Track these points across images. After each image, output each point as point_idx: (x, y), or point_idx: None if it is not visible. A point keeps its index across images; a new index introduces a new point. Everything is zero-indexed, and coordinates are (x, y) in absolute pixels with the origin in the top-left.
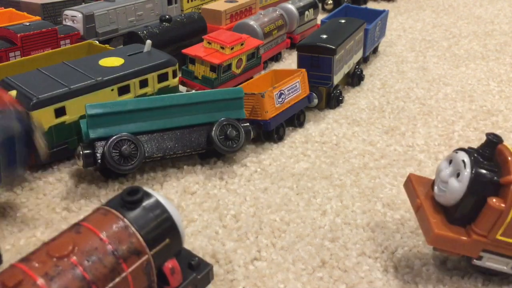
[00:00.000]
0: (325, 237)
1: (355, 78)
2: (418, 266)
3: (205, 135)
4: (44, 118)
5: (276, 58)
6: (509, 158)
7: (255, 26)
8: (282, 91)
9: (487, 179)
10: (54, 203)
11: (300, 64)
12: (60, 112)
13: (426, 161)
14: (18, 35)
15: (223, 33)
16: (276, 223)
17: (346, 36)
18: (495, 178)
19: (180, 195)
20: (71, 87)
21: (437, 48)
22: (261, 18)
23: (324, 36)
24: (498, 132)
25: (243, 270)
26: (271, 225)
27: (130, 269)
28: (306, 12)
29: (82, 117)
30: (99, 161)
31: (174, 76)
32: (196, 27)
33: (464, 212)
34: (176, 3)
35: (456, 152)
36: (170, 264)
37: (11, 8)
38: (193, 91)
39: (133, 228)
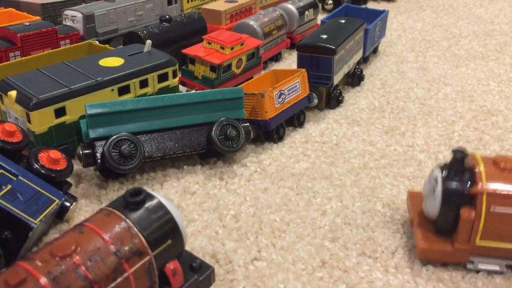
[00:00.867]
0: (325, 237)
1: (355, 78)
2: (418, 266)
3: (205, 135)
4: (44, 118)
5: (276, 58)
6: (476, 170)
7: (255, 26)
8: (282, 91)
9: (457, 192)
10: None
11: (300, 64)
12: (60, 112)
13: (426, 161)
14: (18, 35)
15: (223, 33)
16: (276, 223)
17: (346, 36)
18: (465, 190)
19: (180, 195)
20: (71, 87)
21: (437, 48)
22: (261, 18)
23: (324, 36)
24: (498, 132)
25: (243, 270)
26: (271, 225)
27: (132, 270)
28: (306, 12)
29: (82, 117)
30: (99, 161)
31: (174, 76)
32: (196, 27)
33: (445, 224)
34: (176, 3)
35: (433, 170)
36: (172, 265)
37: (11, 8)
38: (193, 91)
39: (135, 229)
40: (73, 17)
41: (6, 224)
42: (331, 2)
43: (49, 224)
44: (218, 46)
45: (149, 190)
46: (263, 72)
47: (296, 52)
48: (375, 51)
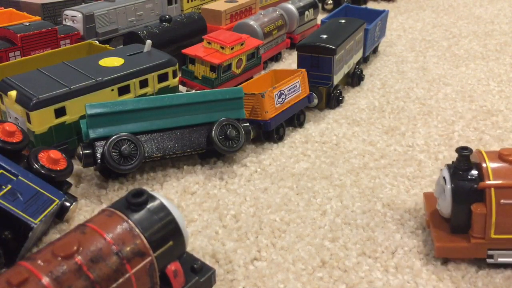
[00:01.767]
0: (325, 237)
1: (355, 78)
2: (418, 266)
3: (205, 135)
4: (44, 118)
5: (276, 58)
6: (483, 165)
7: (255, 26)
8: (282, 91)
9: (466, 189)
10: None
11: (300, 64)
12: (60, 112)
13: (426, 161)
14: (18, 35)
15: (223, 33)
16: (276, 223)
17: (346, 36)
18: (474, 186)
19: (180, 195)
20: (71, 87)
21: (437, 48)
22: (261, 18)
23: (324, 36)
24: (498, 132)
25: (243, 270)
26: (271, 225)
27: (133, 270)
28: (306, 12)
29: (82, 117)
30: (99, 161)
31: (174, 76)
32: (196, 27)
33: (459, 221)
34: (176, 3)
35: (442, 170)
36: (173, 266)
37: (11, 8)
38: (193, 91)
39: (137, 230)
40: (73, 17)
41: (6, 224)
42: (331, 2)
43: (49, 224)
44: (218, 46)
45: (149, 191)
46: (263, 72)
47: (296, 52)
48: (375, 51)
